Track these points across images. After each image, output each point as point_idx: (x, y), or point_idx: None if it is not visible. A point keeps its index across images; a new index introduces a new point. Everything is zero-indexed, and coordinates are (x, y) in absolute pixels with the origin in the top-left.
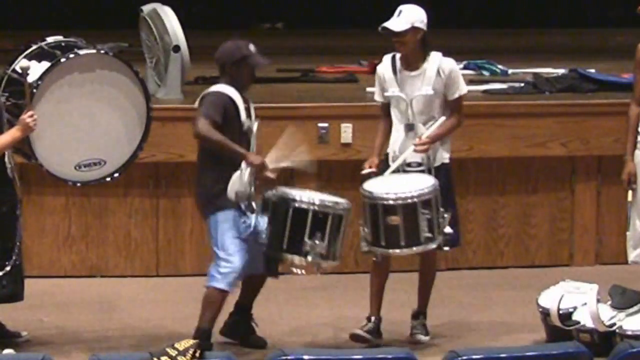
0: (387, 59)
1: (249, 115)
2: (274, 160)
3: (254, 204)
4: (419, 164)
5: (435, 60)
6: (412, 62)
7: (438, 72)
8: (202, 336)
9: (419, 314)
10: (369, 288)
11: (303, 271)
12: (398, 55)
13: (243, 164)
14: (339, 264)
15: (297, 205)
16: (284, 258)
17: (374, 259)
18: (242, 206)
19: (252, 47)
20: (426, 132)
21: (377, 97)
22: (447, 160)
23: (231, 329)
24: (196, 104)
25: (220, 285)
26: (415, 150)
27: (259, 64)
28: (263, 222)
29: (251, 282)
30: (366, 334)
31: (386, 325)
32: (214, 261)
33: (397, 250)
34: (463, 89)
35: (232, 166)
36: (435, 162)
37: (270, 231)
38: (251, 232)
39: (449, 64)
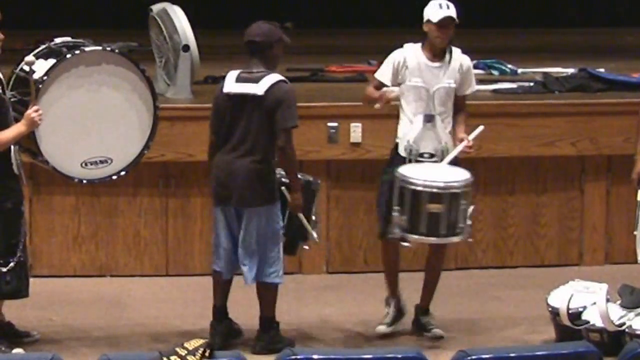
0: (411, 47)
1: None
2: None
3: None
4: (432, 155)
5: (459, 55)
6: (439, 53)
7: (459, 66)
8: (272, 324)
9: (427, 310)
10: (385, 270)
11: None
12: (419, 45)
13: None
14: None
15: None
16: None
17: (405, 245)
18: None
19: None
20: (471, 135)
21: (385, 80)
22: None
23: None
24: (272, 99)
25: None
26: (465, 152)
27: (288, 41)
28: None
29: (228, 285)
30: (389, 328)
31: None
32: (267, 256)
33: (435, 238)
34: (475, 86)
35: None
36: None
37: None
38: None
39: (468, 61)
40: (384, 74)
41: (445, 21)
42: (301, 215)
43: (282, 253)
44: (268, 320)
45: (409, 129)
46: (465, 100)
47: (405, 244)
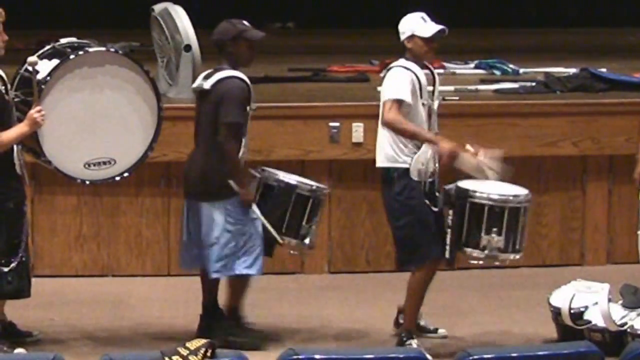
0: (412, 65)
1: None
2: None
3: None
4: (432, 174)
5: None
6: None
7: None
8: (235, 315)
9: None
10: (420, 301)
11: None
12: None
13: None
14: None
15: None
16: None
17: (497, 263)
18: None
19: (246, 23)
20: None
21: (408, 99)
22: None
23: (206, 332)
24: (216, 94)
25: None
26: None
27: (256, 37)
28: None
29: (212, 283)
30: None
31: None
32: (229, 250)
33: (518, 256)
34: None
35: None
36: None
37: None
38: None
39: None
40: (405, 94)
41: (438, 35)
42: (258, 212)
43: (249, 246)
44: (229, 310)
45: (422, 151)
46: None
47: (497, 263)
